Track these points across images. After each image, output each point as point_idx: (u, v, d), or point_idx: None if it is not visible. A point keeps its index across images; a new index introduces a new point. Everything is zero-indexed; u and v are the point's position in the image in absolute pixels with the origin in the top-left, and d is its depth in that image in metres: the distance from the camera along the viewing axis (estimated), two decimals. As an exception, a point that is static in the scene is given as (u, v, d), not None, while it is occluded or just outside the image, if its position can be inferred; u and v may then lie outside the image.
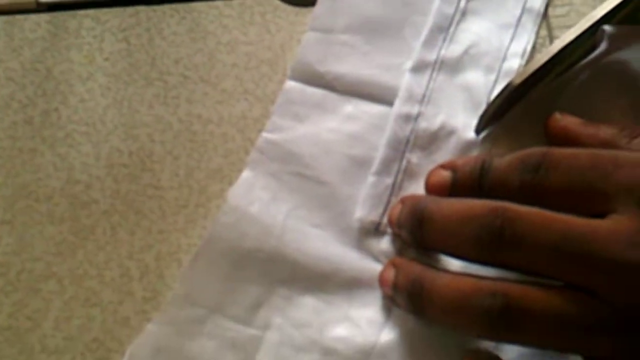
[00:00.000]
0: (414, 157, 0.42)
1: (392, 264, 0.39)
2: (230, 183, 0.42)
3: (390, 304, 0.40)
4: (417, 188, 0.41)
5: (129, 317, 0.40)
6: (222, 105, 0.44)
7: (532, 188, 0.35)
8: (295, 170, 0.42)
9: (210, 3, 0.47)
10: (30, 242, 0.41)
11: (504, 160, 0.37)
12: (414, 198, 0.39)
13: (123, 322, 0.40)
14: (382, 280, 0.39)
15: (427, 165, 0.41)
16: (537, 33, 0.45)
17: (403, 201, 0.40)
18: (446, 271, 0.37)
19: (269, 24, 0.47)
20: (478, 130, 0.41)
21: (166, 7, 0.47)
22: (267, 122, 0.44)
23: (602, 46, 0.40)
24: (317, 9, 0.47)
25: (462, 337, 0.38)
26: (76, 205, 0.42)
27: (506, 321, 0.33)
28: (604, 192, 0.34)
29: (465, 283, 0.35)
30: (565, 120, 0.40)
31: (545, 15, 0.46)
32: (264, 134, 0.43)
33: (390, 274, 0.39)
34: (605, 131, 0.38)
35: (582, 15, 0.44)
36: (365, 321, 0.39)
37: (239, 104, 0.44)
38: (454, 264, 0.38)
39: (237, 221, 0.41)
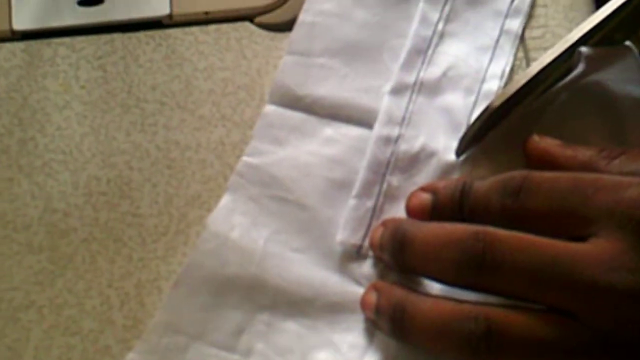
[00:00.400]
0: (394, 180, 0.42)
1: (374, 287, 0.39)
2: (210, 209, 0.42)
3: (373, 328, 0.40)
4: (398, 211, 0.41)
5: (109, 346, 0.40)
6: (199, 132, 0.44)
7: (513, 212, 0.35)
8: (275, 194, 0.42)
9: (186, 29, 0.47)
10: (9, 271, 0.41)
11: (485, 183, 0.37)
12: (395, 221, 0.40)
13: (104, 351, 0.40)
14: (364, 303, 0.39)
15: (407, 188, 0.41)
16: (515, 55, 0.46)
17: (384, 224, 0.40)
18: (428, 295, 0.37)
19: (245, 49, 0.47)
20: (458, 153, 0.41)
21: (142, 34, 0.47)
22: (245, 147, 0.44)
23: (580, 68, 0.40)
24: (295, 32, 0.47)
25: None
26: (55, 234, 0.42)
27: (488, 346, 0.33)
28: (584, 216, 0.34)
29: (446, 307, 0.35)
30: (544, 143, 0.40)
31: (521, 37, 0.46)
32: (244, 158, 0.43)
33: (372, 297, 0.39)
34: (584, 153, 0.38)
35: (558, 36, 0.45)
36: (347, 346, 0.39)
37: (216, 130, 0.44)
38: (436, 288, 0.38)
39: (217, 248, 0.41)
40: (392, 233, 0.38)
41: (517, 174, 0.36)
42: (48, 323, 0.40)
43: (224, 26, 0.48)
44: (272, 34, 0.47)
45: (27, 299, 0.40)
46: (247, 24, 0.48)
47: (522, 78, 0.39)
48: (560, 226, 0.35)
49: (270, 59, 0.47)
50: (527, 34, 0.47)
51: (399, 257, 0.38)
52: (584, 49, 0.40)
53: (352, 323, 0.40)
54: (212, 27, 0.48)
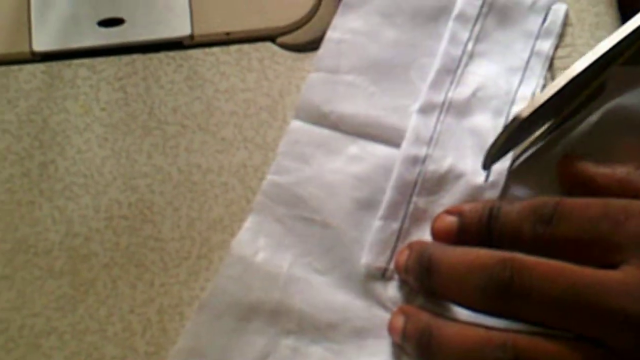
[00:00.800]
0: (421, 201, 0.41)
1: (401, 311, 0.39)
2: (232, 233, 0.42)
3: (399, 352, 0.39)
4: (424, 233, 0.41)
5: (132, 373, 0.39)
6: (221, 154, 0.44)
7: (544, 239, 0.35)
8: (300, 215, 0.42)
9: (207, 50, 0.47)
10: (31, 297, 0.41)
11: (514, 207, 0.36)
12: (421, 244, 0.39)
13: (126, 378, 0.39)
14: (391, 328, 0.39)
15: (434, 210, 0.41)
16: (545, 77, 0.45)
17: (410, 247, 0.39)
18: (455, 320, 0.37)
19: (267, 70, 0.46)
20: (486, 166, 0.40)
21: (162, 55, 0.47)
22: (268, 169, 0.43)
23: (610, 87, 0.40)
24: (322, 49, 0.46)
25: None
26: (76, 259, 0.41)
27: None
28: (615, 243, 0.33)
29: (473, 334, 0.35)
30: (579, 162, 0.40)
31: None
32: (270, 177, 0.43)
33: (400, 322, 0.38)
34: (620, 170, 0.38)
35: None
36: None
37: (238, 152, 0.44)
38: (463, 312, 0.37)
39: (242, 273, 0.41)
40: (418, 257, 0.38)
41: (549, 200, 0.35)
42: (69, 350, 0.40)
43: (246, 46, 0.47)
44: (294, 55, 0.47)
45: (48, 325, 0.40)
46: (269, 44, 0.47)
47: (550, 89, 0.38)
48: (591, 253, 0.34)
49: (292, 79, 0.46)
50: (553, 53, 0.46)
51: (424, 282, 0.38)
52: (614, 69, 0.39)
53: (378, 347, 0.39)
54: (233, 48, 0.47)
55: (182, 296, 0.41)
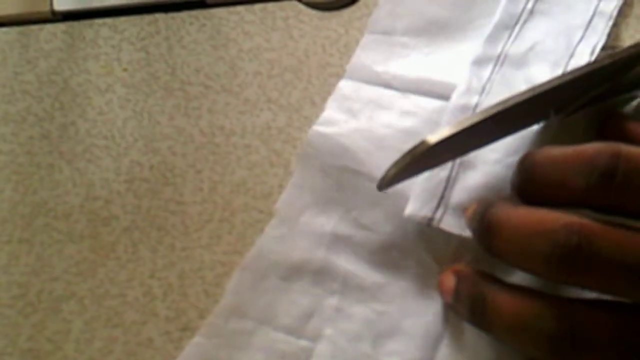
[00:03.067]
0: None
1: (454, 272, 0.37)
2: (255, 196, 0.41)
3: (446, 313, 0.38)
4: (474, 180, 0.39)
5: (152, 338, 0.38)
6: (245, 116, 0.43)
7: (606, 195, 0.32)
8: (346, 166, 0.41)
9: (231, 9, 0.46)
10: (50, 261, 0.40)
11: (555, 155, 0.34)
12: (486, 201, 0.37)
13: (146, 343, 0.38)
14: (442, 288, 0.37)
15: (485, 155, 0.39)
16: (609, 35, 0.43)
17: (479, 203, 0.37)
18: (510, 286, 0.35)
19: (292, 29, 0.45)
20: (381, 187, 0.37)
21: (185, 15, 0.46)
22: (292, 131, 0.42)
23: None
24: (377, 11, 0.46)
25: (525, 355, 0.36)
26: (96, 222, 0.41)
27: (570, 348, 0.31)
28: None
29: (529, 304, 0.33)
30: (626, 121, 0.38)
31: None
32: (315, 127, 0.42)
33: (451, 282, 0.37)
34: None
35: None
36: (420, 334, 0.38)
37: (262, 113, 0.43)
38: (518, 275, 0.36)
39: (286, 232, 0.40)
40: (480, 214, 0.35)
41: (605, 151, 0.32)
42: (89, 314, 0.39)
43: (271, 5, 0.46)
44: (320, 13, 0.46)
45: (68, 289, 0.39)
46: (294, 2, 0.46)
47: (471, 118, 0.35)
48: None
49: (318, 39, 0.45)
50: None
51: (485, 241, 0.35)
52: (551, 120, 0.38)
53: (424, 309, 0.38)
54: (258, 6, 0.46)
55: (203, 260, 0.40)
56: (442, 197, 0.38)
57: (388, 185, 0.36)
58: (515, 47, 0.43)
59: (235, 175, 0.42)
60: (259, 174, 0.42)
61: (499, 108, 0.35)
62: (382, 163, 0.38)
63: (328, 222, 0.40)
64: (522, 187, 0.36)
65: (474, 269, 0.37)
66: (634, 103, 0.40)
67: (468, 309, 0.35)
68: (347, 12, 0.46)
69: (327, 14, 0.46)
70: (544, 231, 0.32)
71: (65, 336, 0.38)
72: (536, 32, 0.43)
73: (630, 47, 0.37)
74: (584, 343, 0.31)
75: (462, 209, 0.38)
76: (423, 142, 0.34)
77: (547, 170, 0.34)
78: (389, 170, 0.35)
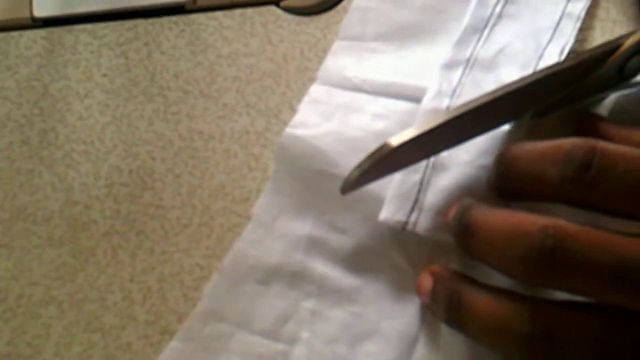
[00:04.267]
0: (443, 152, 0.40)
1: (430, 272, 0.37)
2: (234, 201, 0.41)
3: (422, 314, 0.38)
4: (447, 183, 0.39)
5: (131, 343, 0.39)
6: (223, 120, 0.43)
7: (580, 188, 0.32)
8: (320, 169, 0.40)
9: (209, 14, 0.46)
10: (29, 266, 0.40)
11: (533, 149, 0.34)
12: (467, 202, 0.37)
13: (125, 347, 0.39)
14: (419, 288, 0.37)
15: (457, 157, 0.39)
16: (576, 37, 0.44)
17: (459, 204, 0.37)
18: (485, 287, 0.35)
19: (270, 34, 0.45)
20: (344, 190, 0.36)
21: (165, 20, 0.46)
22: (271, 136, 0.43)
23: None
24: (348, 18, 0.46)
25: (500, 355, 0.36)
26: (76, 227, 0.41)
27: (546, 349, 0.31)
28: None
29: (504, 305, 0.33)
30: (599, 121, 0.38)
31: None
32: (289, 130, 0.42)
33: (428, 283, 0.37)
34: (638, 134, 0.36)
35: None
36: (396, 335, 0.38)
37: (241, 118, 0.43)
38: (493, 275, 0.36)
39: (263, 236, 0.40)
40: (459, 214, 0.36)
41: (582, 144, 0.32)
42: (68, 319, 0.39)
43: (249, 10, 0.46)
44: (298, 18, 0.46)
45: (47, 294, 0.40)
46: (272, 7, 0.46)
47: (433, 121, 0.35)
48: (637, 211, 0.32)
49: (296, 43, 0.45)
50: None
51: (463, 243, 0.36)
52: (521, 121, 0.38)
53: (400, 310, 0.39)
54: (236, 12, 0.46)
55: (182, 264, 0.40)
56: (415, 201, 0.39)
57: (352, 188, 0.36)
58: (485, 50, 0.43)
59: (214, 180, 0.42)
60: (237, 178, 0.42)
61: (464, 109, 0.35)
62: (355, 165, 0.38)
63: (304, 226, 0.40)
64: (500, 181, 0.36)
65: (450, 270, 0.37)
66: (606, 103, 0.40)
67: (444, 309, 0.35)
68: (325, 17, 0.46)
69: (305, 19, 0.46)
70: (520, 234, 0.32)
71: (44, 340, 0.39)
72: (505, 35, 0.44)
73: (595, 48, 0.37)
74: (559, 344, 0.31)
75: (436, 211, 0.38)
76: (385, 145, 0.34)
77: (524, 163, 0.34)
78: (352, 172, 0.35)
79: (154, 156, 0.42)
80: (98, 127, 0.43)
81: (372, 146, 0.37)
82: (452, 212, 0.37)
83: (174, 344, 0.38)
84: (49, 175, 0.42)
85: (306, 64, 0.45)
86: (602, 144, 0.32)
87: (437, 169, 0.39)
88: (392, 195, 0.39)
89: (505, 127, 0.39)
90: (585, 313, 0.32)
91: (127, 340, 0.39)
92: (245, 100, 0.44)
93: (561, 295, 0.32)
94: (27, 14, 0.46)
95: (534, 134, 0.39)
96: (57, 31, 0.46)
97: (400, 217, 0.38)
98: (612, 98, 0.40)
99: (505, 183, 0.36)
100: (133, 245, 0.40)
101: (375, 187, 0.38)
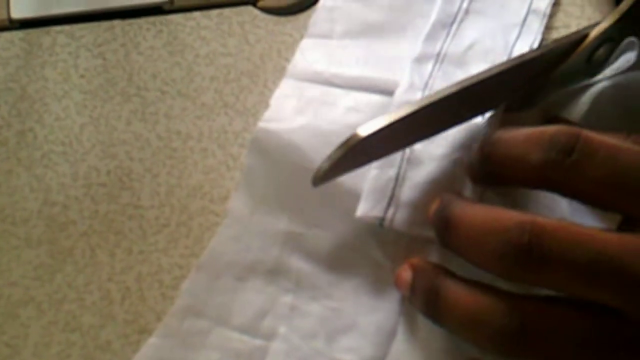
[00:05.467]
0: (417, 146, 0.39)
1: (410, 265, 0.37)
2: (212, 200, 0.41)
3: (399, 308, 0.38)
4: (423, 176, 0.39)
5: (110, 342, 0.39)
6: (201, 120, 0.43)
7: (559, 172, 0.32)
8: (294, 162, 0.40)
9: (187, 15, 0.46)
10: (7, 266, 0.40)
11: (519, 133, 0.34)
12: (448, 199, 0.37)
13: (104, 346, 0.39)
14: (398, 281, 0.38)
15: (431, 150, 0.39)
16: (543, 34, 0.44)
17: (440, 199, 0.37)
18: (463, 280, 0.35)
19: (248, 34, 0.46)
20: (315, 182, 0.36)
21: (142, 21, 0.46)
22: (249, 136, 0.42)
23: (630, 58, 0.38)
24: (315, 17, 0.46)
25: (477, 348, 0.37)
26: (54, 228, 0.41)
27: (519, 344, 0.31)
28: None
29: (480, 299, 0.33)
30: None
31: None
32: (262, 124, 0.41)
33: (407, 276, 0.37)
34: (609, 138, 0.37)
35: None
36: (374, 330, 0.38)
37: (219, 118, 0.43)
38: (471, 268, 0.36)
39: (239, 232, 0.40)
40: (440, 209, 0.36)
41: (568, 129, 0.32)
42: (47, 319, 0.39)
43: (227, 11, 0.47)
44: (275, 18, 0.46)
45: (26, 294, 0.40)
46: (250, 8, 0.47)
47: (403, 110, 0.35)
48: (614, 201, 0.32)
49: (274, 43, 0.45)
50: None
51: (443, 237, 0.36)
52: (494, 114, 0.38)
53: (377, 305, 0.39)
54: (214, 12, 0.46)
55: (161, 264, 0.40)
56: (392, 196, 0.38)
57: (323, 180, 0.36)
58: (454, 45, 0.43)
59: (192, 179, 0.42)
60: (215, 177, 0.42)
61: (433, 99, 0.35)
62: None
63: (280, 221, 0.40)
64: (483, 164, 0.36)
65: (430, 262, 0.37)
66: (582, 107, 0.40)
67: (423, 302, 0.36)
68: (302, 17, 0.46)
69: (282, 19, 0.46)
70: (497, 229, 0.32)
71: (23, 341, 0.39)
72: (473, 31, 0.44)
73: (562, 38, 0.37)
74: (535, 339, 0.31)
75: (413, 207, 0.38)
76: (354, 135, 0.34)
77: (509, 145, 0.34)
78: (322, 164, 0.35)
79: (132, 156, 0.43)
80: (76, 128, 0.43)
81: None
82: (434, 207, 0.37)
83: (152, 340, 0.38)
84: (27, 176, 0.42)
85: (283, 64, 0.45)
86: (585, 132, 0.32)
87: (413, 163, 0.39)
88: (368, 190, 0.39)
89: (480, 120, 0.39)
90: (561, 308, 0.32)
91: (106, 339, 0.39)
92: (223, 100, 0.44)
93: (540, 291, 0.33)
94: (4, 16, 0.46)
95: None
96: (34, 32, 0.46)
97: (377, 212, 0.38)
98: (587, 97, 0.40)
99: (487, 165, 0.35)
100: (111, 245, 0.41)
101: (350, 181, 0.39)
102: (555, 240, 0.31)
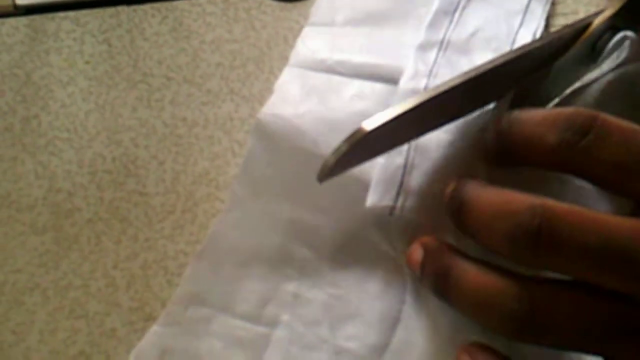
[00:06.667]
0: None
1: (420, 244, 0.37)
2: (218, 187, 0.41)
3: (403, 297, 0.38)
4: (431, 163, 0.38)
5: (115, 329, 0.39)
6: (207, 107, 0.43)
7: (573, 154, 0.32)
8: (300, 147, 0.40)
9: (193, 1, 0.46)
10: (13, 253, 0.40)
11: (536, 114, 0.34)
12: (462, 180, 0.36)
13: (110, 333, 0.39)
14: (409, 259, 0.37)
15: (438, 137, 0.39)
16: (547, 20, 0.44)
17: (455, 182, 0.37)
18: (474, 261, 0.35)
19: (253, 20, 0.45)
20: (321, 178, 0.35)
21: (148, 7, 0.46)
22: (254, 121, 0.42)
23: (624, 54, 0.38)
24: (316, 5, 0.45)
25: (481, 335, 0.37)
26: (59, 215, 0.41)
27: (529, 328, 0.31)
28: None
29: (490, 281, 0.33)
30: None
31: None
32: (265, 109, 0.41)
33: (418, 255, 0.36)
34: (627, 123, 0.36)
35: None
36: (377, 317, 0.38)
37: (224, 104, 0.43)
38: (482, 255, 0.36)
39: (241, 220, 0.40)
40: (455, 193, 0.35)
41: (584, 111, 0.32)
42: (53, 306, 0.39)
43: (232, -4, 0.46)
44: (281, 4, 0.46)
45: (31, 281, 0.39)
46: (256, -6, 0.46)
47: (408, 103, 0.34)
48: (627, 185, 0.32)
49: (280, 29, 0.45)
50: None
51: (456, 220, 0.35)
52: (630, 34, 0.38)
53: (381, 292, 0.39)
54: (220, -2, 0.46)
55: (166, 251, 0.40)
56: (401, 185, 0.38)
57: (329, 176, 0.35)
58: (457, 33, 0.43)
59: (197, 166, 0.42)
60: (221, 164, 0.42)
61: (437, 91, 0.34)
62: (335, 145, 0.38)
63: (283, 207, 0.40)
64: (499, 142, 0.35)
65: (441, 242, 0.37)
66: (589, 101, 0.40)
67: (432, 281, 0.35)
68: (308, 3, 0.46)
69: (288, 5, 0.46)
70: (509, 212, 0.32)
71: (28, 327, 0.39)
72: (476, 18, 0.44)
73: (565, 27, 0.37)
74: (545, 324, 0.31)
75: (422, 194, 0.38)
76: (359, 129, 0.33)
77: (526, 125, 0.34)
78: (328, 159, 0.34)
79: (137, 143, 0.42)
80: (81, 114, 0.43)
81: (352, 126, 0.37)
82: (449, 190, 0.36)
83: (155, 328, 0.38)
84: (32, 162, 0.42)
85: (289, 50, 0.44)
86: (602, 115, 0.32)
87: (421, 151, 0.39)
88: (376, 180, 0.38)
89: (489, 108, 0.39)
90: (572, 292, 0.32)
91: (111, 326, 0.39)
92: (228, 87, 0.44)
93: (551, 275, 0.32)
94: (9, 2, 0.46)
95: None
96: (39, 19, 0.46)
97: (387, 202, 0.38)
98: (593, 91, 0.40)
99: (503, 145, 0.35)
100: (117, 232, 0.40)
101: (355, 168, 0.38)
102: (566, 224, 0.31)
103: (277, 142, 0.40)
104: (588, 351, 0.32)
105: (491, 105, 0.39)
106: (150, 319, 0.39)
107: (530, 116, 0.34)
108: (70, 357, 0.38)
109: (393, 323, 0.38)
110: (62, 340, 0.38)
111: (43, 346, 0.38)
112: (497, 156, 0.36)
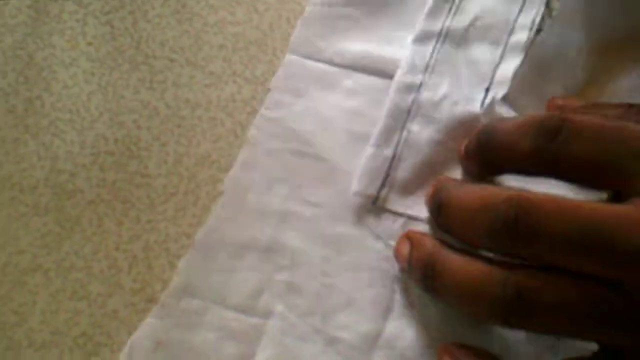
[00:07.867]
0: (415, 126, 0.40)
1: (407, 237, 0.38)
2: (220, 169, 0.41)
3: (393, 286, 0.39)
4: (419, 158, 0.40)
5: (117, 310, 0.39)
6: (210, 89, 0.43)
7: (546, 155, 0.33)
8: (295, 148, 0.41)
9: (196, -17, 0.46)
10: (15, 234, 0.40)
11: (511, 122, 0.35)
12: (444, 179, 0.38)
13: (112, 315, 0.39)
14: (397, 253, 0.38)
15: (429, 134, 0.40)
16: (547, 4, 0.44)
17: (436, 182, 0.38)
18: (459, 252, 0.35)
19: (256, 2, 0.45)
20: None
21: (150, -12, 0.46)
22: (257, 104, 0.43)
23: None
24: None
25: (473, 323, 0.37)
26: (61, 196, 0.41)
27: (516, 312, 0.32)
28: (631, 170, 0.31)
29: (475, 270, 0.33)
30: (567, 103, 0.39)
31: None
32: (264, 111, 0.42)
33: (405, 248, 0.37)
34: (612, 111, 0.36)
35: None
36: (370, 306, 0.38)
37: (227, 86, 0.43)
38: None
39: (235, 211, 0.40)
40: (435, 192, 0.37)
41: (554, 115, 0.33)
42: (55, 287, 0.39)
43: (235, -22, 0.46)
44: (284, -13, 0.46)
45: (33, 262, 0.39)
46: (259, -25, 0.46)
47: None
48: (600, 178, 0.32)
49: (282, 12, 0.45)
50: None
51: (437, 218, 0.37)
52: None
53: (372, 281, 0.39)
54: (223, -20, 0.46)
55: (168, 232, 0.40)
56: (386, 176, 0.40)
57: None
58: (457, 21, 0.43)
59: (200, 148, 0.42)
60: (223, 146, 0.42)
61: None
62: (328, 144, 0.40)
63: (276, 200, 0.40)
64: (479, 152, 0.37)
65: (427, 235, 0.38)
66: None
67: (420, 275, 0.36)
68: (311, -15, 0.46)
69: (291, -13, 0.46)
70: (486, 206, 0.33)
71: (30, 308, 0.39)
72: (476, 5, 0.44)
73: None
74: (531, 306, 0.31)
75: (406, 188, 0.39)
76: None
77: (501, 134, 0.35)
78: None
79: (139, 125, 0.42)
80: (83, 96, 0.43)
81: (347, 124, 0.40)
82: (431, 190, 0.37)
83: (149, 320, 0.38)
84: (34, 143, 0.42)
85: (292, 32, 0.45)
86: (571, 115, 0.33)
87: (410, 145, 0.40)
88: (363, 168, 0.40)
89: (477, 110, 0.40)
90: (556, 276, 0.32)
91: (113, 307, 0.39)
92: (231, 69, 0.44)
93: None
94: (11, -18, 0.46)
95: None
96: (41, 0, 0.46)
97: (371, 190, 0.40)
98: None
99: (483, 155, 0.37)
100: (119, 214, 0.40)
101: (347, 161, 0.40)
102: (543, 213, 0.31)
103: (272, 143, 0.41)
104: (576, 336, 0.33)
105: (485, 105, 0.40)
106: (152, 300, 0.39)
107: (505, 125, 0.35)
108: (72, 338, 0.38)
109: (386, 311, 0.38)
110: (64, 321, 0.38)
111: (45, 327, 0.38)
112: (479, 167, 0.37)
